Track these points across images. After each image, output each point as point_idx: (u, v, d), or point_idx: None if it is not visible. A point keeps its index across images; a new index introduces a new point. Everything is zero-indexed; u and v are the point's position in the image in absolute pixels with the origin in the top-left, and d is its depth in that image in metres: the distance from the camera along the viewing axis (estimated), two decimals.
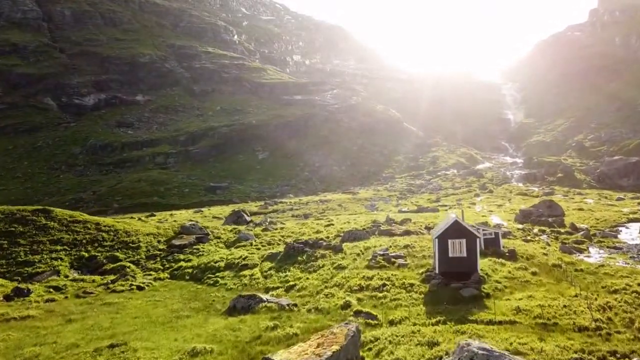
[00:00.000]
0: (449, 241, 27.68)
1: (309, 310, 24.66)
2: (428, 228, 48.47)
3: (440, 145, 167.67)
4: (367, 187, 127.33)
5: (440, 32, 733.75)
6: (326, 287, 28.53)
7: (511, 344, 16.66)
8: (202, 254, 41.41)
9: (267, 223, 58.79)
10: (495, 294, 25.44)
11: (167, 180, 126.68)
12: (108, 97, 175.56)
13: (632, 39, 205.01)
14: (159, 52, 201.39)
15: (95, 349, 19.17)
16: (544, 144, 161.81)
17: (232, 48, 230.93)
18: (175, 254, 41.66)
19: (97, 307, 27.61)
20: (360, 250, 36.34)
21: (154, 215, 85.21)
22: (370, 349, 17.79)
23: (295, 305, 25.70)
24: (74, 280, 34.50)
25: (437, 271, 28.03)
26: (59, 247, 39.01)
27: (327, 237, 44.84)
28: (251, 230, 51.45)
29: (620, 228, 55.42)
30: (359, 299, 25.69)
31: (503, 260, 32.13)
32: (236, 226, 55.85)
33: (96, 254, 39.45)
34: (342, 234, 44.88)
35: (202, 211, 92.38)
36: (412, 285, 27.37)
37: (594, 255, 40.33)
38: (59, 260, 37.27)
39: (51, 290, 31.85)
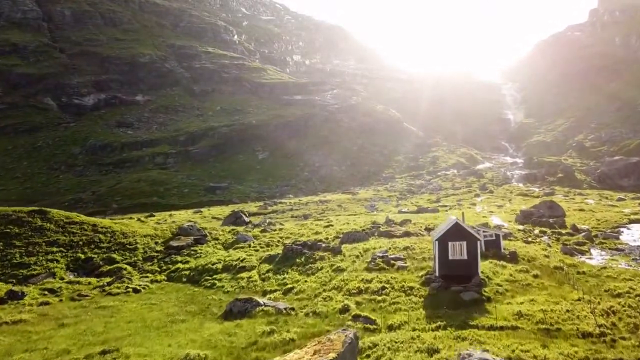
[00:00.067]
0: (449, 243, 27.23)
1: (306, 314, 24.22)
2: (428, 229, 48.02)
3: (440, 145, 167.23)
4: (367, 187, 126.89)
5: (440, 32, 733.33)
6: (324, 290, 28.07)
7: (513, 351, 16.22)
8: (200, 256, 40.96)
9: (265, 224, 58.35)
10: (496, 297, 25.00)
11: (167, 180, 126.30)
12: (108, 97, 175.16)
13: (632, 39, 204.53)
14: (159, 52, 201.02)
15: (86, 356, 18.73)
16: (544, 144, 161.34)
17: (232, 48, 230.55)
18: (173, 256, 41.21)
19: (91, 311, 27.17)
20: (360, 252, 35.89)
21: (153, 216, 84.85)
22: (368, 356, 17.36)
23: (293, 309, 25.25)
24: (70, 282, 34.06)
25: (437, 274, 27.58)
26: (55, 249, 38.56)
27: (326, 239, 44.41)
28: (250, 231, 51.03)
29: (621, 229, 54.91)
30: (357, 303, 25.24)
31: (504, 263, 31.68)
32: (235, 227, 55.43)
33: (93, 255, 39.02)
34: (341, 235, 44.46)
35: (201, 211, 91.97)
36: (411, 288, 26.92)
37: (596, 257, 39.87)
38: (54, 262, 36.83)
39: (46, 292, 31.41)
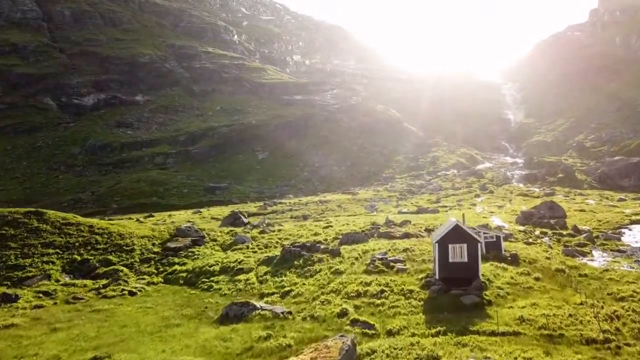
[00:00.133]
0: (450, 246, 26.80)
1: (304, 319, 23.78)
2: (428, 230, 47.59)
3: (440, 145, 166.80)
4: (367, 187, 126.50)
5: (440, 32, 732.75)
6: (322, 294, 27.62)
7: (515, 358, 15.78)
8: (197, 258, 40.52)
9: (264, 225, 57.93)
10: (497, 301, 24.55)
11: (167, 180, 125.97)
12: (107, 97, 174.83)
13: (633, 39, 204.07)
14: (159, 52, 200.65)
15: None
16: (545, 144, 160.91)
17: (232, 48, 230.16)
18: (170, 257, 40.75)
19: (85, 315, 26.73)
20: (359, 254, 35.45)
21: (153, 216, 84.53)
22: None
23: (290, 312, 24.81)
24: (65, 285, 33.61)
25: (437, 277, 27.14)
26: (50, 251, 38.13)
27: (325, 240, 43.97)
28: (248, 232, 50.59)
29: (623, 230, 54.48)
30: (356, 306, 24.79)
31: (505, 265, 31.23)
32: (233, 228, 54.99)
33: (89, 257, 38.58)
34: (340, 237, 44.02)
35: (201, 212, 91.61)
36: (411, 291, 26.48)
37: (598, 259, 39.42)
38: (50, 264, 36.38)
39: (40, 295, 30.96)
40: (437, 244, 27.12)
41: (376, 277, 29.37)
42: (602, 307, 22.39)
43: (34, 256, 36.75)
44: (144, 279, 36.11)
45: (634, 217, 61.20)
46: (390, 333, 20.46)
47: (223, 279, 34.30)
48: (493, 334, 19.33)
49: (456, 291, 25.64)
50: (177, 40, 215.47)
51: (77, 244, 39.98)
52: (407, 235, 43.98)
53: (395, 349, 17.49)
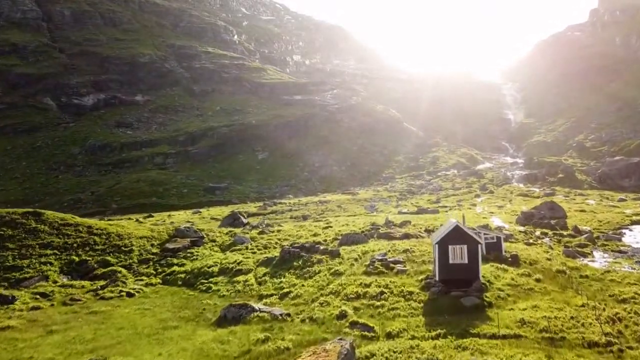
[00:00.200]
0: (450, 247, 26.58)
1: (302, 321, 23.54)
2: (428, 231, 47.39)
3: (440, 145, 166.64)
4: (367, 187, 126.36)
5: (440, 32, 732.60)
6: (322, 295, 27.38)
7: None
8: (196, 258, 40.29)
9: (263, 225, 57.72)
10: (497, 303, 24.33)
11: (166, 180, 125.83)
12: (107, 97, 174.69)
13: (633, 39, 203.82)
14: (159, 52, 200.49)
15: None
16: (545, 144, 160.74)
17: (232, 48, 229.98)
18: (169, 258, 40.52)
19: (82, 316, 26.49)
20: (358, 255, 35.24)
21: (152, 216, 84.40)
22: None
23: (289, 314, 24.58)
24: (63, 286, 33.38)
25: (437, 278, 26.92)
26: (48, 251, 37.90)
27: (325, 240, 43.78)
28: (247, 233, 50.38)
29: (623, 230, 54.27)
30: (355, 308, 24.56)
31: (505, 266, 31.00)
32: (232, 229, 54.76)
33: (87, 258, 38.36)
34: (340, 237, 43.81)
35: (200, 212, 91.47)
36: (411, 293, 26.25)
37: (599, 260, 39.20)
38: (48, 265, 36.16)
39: (38, 297, 30.73)
40: (437, 245, 26.91)
41: (376, 278, 29.15)
42: (604, 309, 22.16)
43: (31, 257, 36.55)
44: (142, 280, 35.89)
45: (634, 218, 61.00)
46: (389, 336, 20.24)
47: (222, 280, 34.08)
48: (494, 336, 19.11)
49: (456, 293, 25.42)
50: (177, 40, 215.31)
51: (75, 244, 39.77)
52: (407, 236, 43.77)
53: (394, 352, 17.27)
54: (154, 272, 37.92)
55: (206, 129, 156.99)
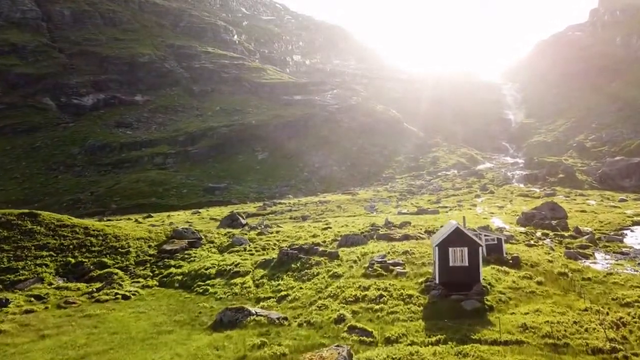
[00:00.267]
0: (450, 249, 26.13)
1: (300, 325, 23.09)
2: (428, 232, 46.97)
3: (440, 145, 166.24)
4: (367, 187, 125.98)
5: (440, 32, 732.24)
6: (320, 298, 26.91)
7: None
8: (194, 260, 39.83)
9: (262, 226, 57.28)
10: (499, 306, 23.88)
11: (166, 180, 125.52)
12: (107, 97, 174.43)
13: (633, 39, 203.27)
14: (159, 52, 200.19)
15: None
16: (545, 144, 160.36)
17: (232, 48, 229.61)
18: (166, 260, 40.06)
19: (76, 320, 26.03)
20: (357, 257, 34.81)
21: (152, 217, 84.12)
22: None
23: (286, 318, 24.12)
24: (58, 288, 32.92)
25: (437, 281, 26.47)
26: (44, 253, 37.45)
27: (324, 242, 43.36)
28: (246, 234, 49.94)
29: (625, 231, 53.77)
30: (354, 312, 24.09)
31: (506, 268, 30.55)
32: (231, 230, 54.32)
33: (83, 259, 37.91)
34: (339, 238, 43.39)
35: (200, 212, 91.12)
36: (410, 296, 25.79)
37: (601, 262, 38.74)
38: (43, 266, 35.70)
39: (32, 299, 30.26)
40: (437, 248, 26.47)
41: (375, 281, 28.70)
42: (608, 314, 21.71)
43: (27, 259, 36.10)
44: (138, 282, 35.44)
45: (635, 218, 60.51)
46: (388, 341, 19.79)
47: (219, 282, 33.62)
48: (495, 342, 18.64)
49: (457, 296, 24.98)
50: (176, 40, 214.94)
51: (71, 246, 39.33)
52: (406, 237, 43.36)
53: (393, 358, 16.85)
54: (151, 274, 37.48)
55: (206, 129, 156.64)
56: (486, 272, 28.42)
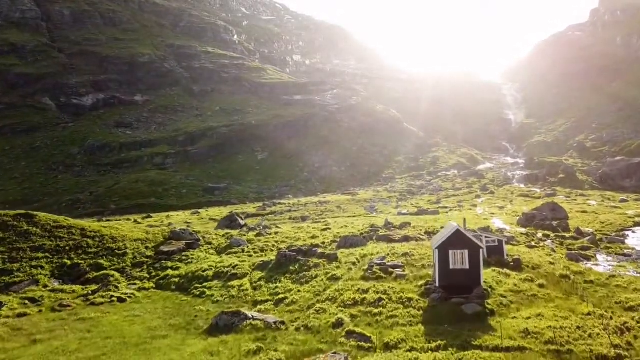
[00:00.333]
0: (450, 252, 25.68)
1: (297, 329, 22.65)
2: (428, 233, 46.55)
3: (440, 145, 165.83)
4: (367, 188, 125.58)
5: (440, 32, 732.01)
6: (318, 302, 26.45)
7: None
8: (191, 262, 39.38)
9: (261, 227, 56.85)
10: (500, 310, 23.44)
11: (165, 181, 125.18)
12: (107, 97, 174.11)
13: (634, 39, 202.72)
14: (159, 52, 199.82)
15: None
16: (545, 145, 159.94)
17: (232, 48, 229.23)
18: (163, 261, 39.61)
19: (69, 324, 25.57)
20: (357, 259, 34.37)
21: (151, 217, 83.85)
22: None
23: (283, 322, 23.68)
24: (53, 290, 32.48)
25: (437, 284, 26.04)
26: (40, 255, 37.03)
27: (323, 243, 42.93)
28: (244, 235, 49.50)
29: (626, 232, 53.31)
30: (352, 316, 23.64)
31: (507, 271, 30.10)
32: (229, 231, 53.86)
33: (79, 261, 37.48)
34: (338, 239, 42.94)
35: (199, 213, 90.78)
36: (410, 299, 25.34)
37: (603, 264, 38.28)
38: (39, 268, 35.28)
39: (26, 302, 29.82)
40: (437, 250, 26.03)
41: (374, 283, 28.24)
42: (611, 318, 21.27)
43: (22, 260, 35.67)
44: (135, 284, 35.00)
45: (637, 219, 60.09)
46: (387, 347, 19.34)
47: (216, 284, 33.18)
48: (497, 349, 18.18)
49: (457, 299, 24.54)
50: (176, 40, 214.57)
51: (67, 247, 38.91)
52: (406, 239, 42.94)
53: None
54: (148, 276, 37.04)
55: (206, 129, 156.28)
56: (487, 274, 28.00)
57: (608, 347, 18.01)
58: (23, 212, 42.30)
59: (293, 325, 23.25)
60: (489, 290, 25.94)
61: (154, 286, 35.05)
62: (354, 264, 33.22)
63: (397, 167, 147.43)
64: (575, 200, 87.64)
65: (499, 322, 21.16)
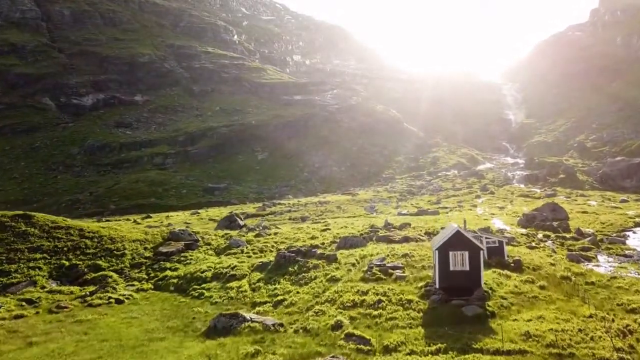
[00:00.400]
0: (450, 253, 25.47)
1: (296, 331, 22.43)
2: (428, 233, 46.35)
3: (440, 145, 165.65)
4: (367, 188, 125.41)
5: (440, 32, 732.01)
6: (317, 303, 26.23)
7: None
8: (190, 262, 39.16)
9: (260, 228, 56.66)
10: (500, 312, 23.21)
11: (165, 181, 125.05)
12: (107, 97, 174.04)
13: (634, 39, 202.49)
14: (159, 52, 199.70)
15: None
16: (545, 145, 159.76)
17: (232, 48, 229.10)
18: (162, 262, 39.39)
19: (66, 326, 25.34)
20: (356, 260, 34.15)
21: (150, 217, 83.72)
22: None
23: (282, 324, 23.47)
24: (51, 292, 32.28)
25: (437, 286, 25.83)
26: (38, 256, 36.82)
27: (323, 244, 42.75)
28: (243, 235, 49.28)
29: (627, 233, 53.12)
30: (351, 318, 23.42)
31: (508, 272, 29.88)
32: (228, 231, 53.63)
33: (77, 262, 37.28)
34: (338, 240, 42.74)
35: (199, 213, 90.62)
36: (410, 301, 25.12)
37: (604, 265, 38.07)
38: (37, 269, 35.06)
39: (23, 303, 29.61)
40: (437, 251, 25.82)
41: (373, 285, 28.01)
42: (613, 321, 21.02)
43: (19, 261, 35.46)
44: (133, 285, 34.79)
45: (637, 219, 59.89)
46: (386, 349, 19.13)
47: (215, 285, 32.96)
48: (498, 352, 17.96)
49: (457, 301, 24.32)
50: (176, 40, 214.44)
51: (65, 248, 38.70)
52: (406, 239, 42.73)
53: None
54: (146, 277, 36.83)
55: (206, 129, 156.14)
56: (487, 276, 27.78)
57: (610, 351, 17.79)
58: (21, 212, 42.11)
59: (292, 328, 23.03)
60: (490, 291, 25.72)
61: (152, 287, 34.84)
62: (353, 265, 33.00)
63: (397, 167, 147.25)
64: (576, 200, 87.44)
65: (500, 324, 20.95)
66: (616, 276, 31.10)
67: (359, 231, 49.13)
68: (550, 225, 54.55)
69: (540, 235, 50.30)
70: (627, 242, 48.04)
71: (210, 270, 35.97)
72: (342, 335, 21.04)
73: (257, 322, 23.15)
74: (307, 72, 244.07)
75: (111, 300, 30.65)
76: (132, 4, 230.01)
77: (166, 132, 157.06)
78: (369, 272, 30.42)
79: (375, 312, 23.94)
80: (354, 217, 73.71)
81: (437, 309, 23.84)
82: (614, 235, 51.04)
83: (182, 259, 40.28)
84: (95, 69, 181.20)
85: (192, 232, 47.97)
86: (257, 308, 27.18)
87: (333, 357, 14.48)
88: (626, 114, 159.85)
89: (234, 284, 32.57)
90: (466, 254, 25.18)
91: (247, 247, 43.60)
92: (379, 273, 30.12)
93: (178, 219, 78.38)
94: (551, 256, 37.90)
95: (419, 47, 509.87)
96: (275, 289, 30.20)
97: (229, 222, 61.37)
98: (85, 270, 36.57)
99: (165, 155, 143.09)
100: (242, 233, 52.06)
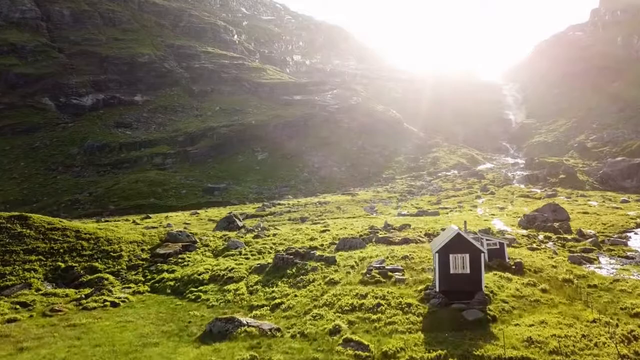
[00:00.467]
0: (451, 256, 25.03)
1: (293, 336, 21.98)
2: (428, 235, 45.89)
3: (440, 145, 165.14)
4: (367, 188, 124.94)
5: (440, 32, 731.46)
6: (315, 307, 25.77)
7: None
8: (187, 264, 38.68)
9: (259, 229, 56.20)
10: (502, 316, 22.76)
11: (165, 181, 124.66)
12: (106, 97, 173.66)
13: (634, 39, 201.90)
14: (158, 52, 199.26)
15: None
16: (546, 145, 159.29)
17: (231, 48, 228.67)
18: (159, 264, 38.91)
19: (59, 331, 24.85)
20: (355, 262, 33.69)
21: (149, 218, 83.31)
22: None
23: (279, 329, 23.02)
24: (46, 294, 31.80)
25: (437, 289, 25.37)
26: (33, 257, 36.36)
27: (322, 245, 42.29)
28: (242, 237, 48.83)
29: (629, 234, 52.58)
30: (350, 322, 22.96)
31: (509, 275, 29.41)
32: (227, 232, 53.14)
33: (74, 264, 36.83)
34: (337, 242, 42.29)
35: (198, 213, 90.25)
36: (409, 305, 24.65)
37: (606, 267, 37.58)
38: (32, 271, 34.60)
39: (17, 307, 29.15)
40: (437, 254, 25.37)
41: (372, 288, 27.56)
42: (617, 326, 20.58)
43: (14, 263, 35.00)
44: (129, 287, 34.33)
45: (639, 220, 59.35)
46: (385, 356, 18.68)
47: (212, 288, 32.49)
48: (499, 359, 17.55)
49: (458, 305, 23.88)
50: (176, 40, 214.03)
51: (61, 250, 38.24)
52: (406, 241, 42.27)
53: None
54: (143, 279, 36.35)
55: (205, 129, 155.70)
56: (488, 278, 27.32)
57: (615, 358, 17.35)
58: (17, 214, 41.66)
59: (289, 332, 22.58)
60: (491, 295, 25.27)
61: (149, 290, 34.37)
62: (352, 267, 32.55)
63: (397, 168, 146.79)
64: (576, 200, 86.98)
65: (501, 329, 20.49)
66: (619, 279, 30.61)
67: (358, 232, 48.67)
68: (551, 226, 54.05)
69: (541, 237, 49.83)
70: (629, 243, 47.54)
71: (208, 272, 35.50)
72: (340, 341, 20.60)
73: (253, 326, 22.70)
74: (307, 72, 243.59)
75: (106, 303, 30.19)
76: (132, 3, 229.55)
77: (166, 132, 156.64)
78: (368, 275, 29.97)
79: (374, 316, 23.48)
80: (353, 217, 73.25)
81: (437, 313, 23.39)
82: (616, 236, 50.53)
83: (180, 260, 39.79)
84: (95, 69, 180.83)
85: (190, 233, 47.53)
86: (255, 311, 26.74)
87: None
88: (627, 114, 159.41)
89: (231, 286, 32.11)
90: (467, 256, 24.74)
91: (245, 249, 43.14)
92: (378, 276, 29.67)
93: (177, 220, 77.94)
94: (552, 258, 37.44)
95: (419, 47, 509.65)
96: (273, 292, 29.74)
97: (228, 223, 60.90)
98: (81, 272, 36.11)
99: (165, 156, 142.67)
100: (241, 234, 51.61)
